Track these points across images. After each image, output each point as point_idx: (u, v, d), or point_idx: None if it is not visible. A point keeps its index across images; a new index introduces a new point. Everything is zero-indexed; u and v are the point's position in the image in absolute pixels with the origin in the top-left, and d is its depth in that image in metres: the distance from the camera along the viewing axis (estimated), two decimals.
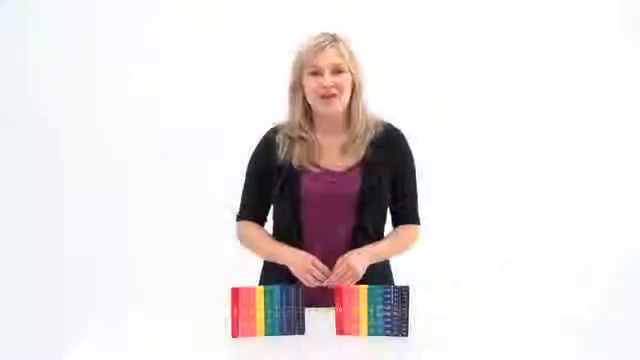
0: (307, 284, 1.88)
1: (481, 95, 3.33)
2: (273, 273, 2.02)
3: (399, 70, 3.23)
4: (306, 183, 1.97)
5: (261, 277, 2.12)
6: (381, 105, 2.06)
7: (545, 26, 3.34)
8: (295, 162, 1.98)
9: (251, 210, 2.06)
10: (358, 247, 1.94)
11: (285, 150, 1.99)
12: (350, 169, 1.98)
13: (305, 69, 1.94)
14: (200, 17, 3.28)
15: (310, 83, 1.94)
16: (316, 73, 1.93)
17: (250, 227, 2.05)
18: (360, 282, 1.88)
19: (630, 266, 3.31)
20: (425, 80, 3.28)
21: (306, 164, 1.98)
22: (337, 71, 1.93)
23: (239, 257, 2.17)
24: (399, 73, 3.22)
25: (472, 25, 3.32)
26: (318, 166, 1.99)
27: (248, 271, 2.15)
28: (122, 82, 3.26)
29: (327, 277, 1.89)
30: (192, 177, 3.26)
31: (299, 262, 1.91)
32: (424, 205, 2.11)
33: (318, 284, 1.89)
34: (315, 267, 1.89)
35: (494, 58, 3.32)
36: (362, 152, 1.98)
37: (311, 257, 1.91)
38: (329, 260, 1.91)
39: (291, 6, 3.22)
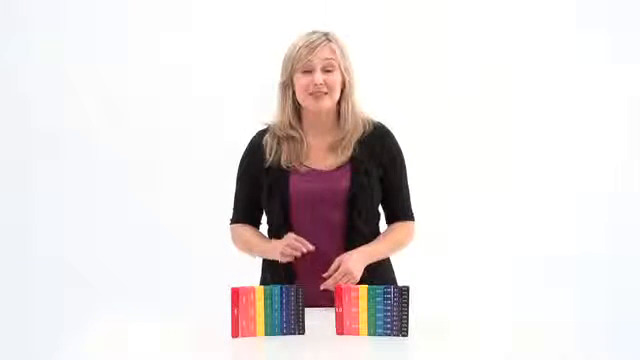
0: (285, 259, 1.89)
1: (476, 92, 3.33)
2: (272, 274, 2.02)
3: (392, 69, 3.24)
4: (294, 182, 1.97)
5: (261, 277, 2.12)
6: (374, 104, 2.06)
7: (535, 25, 3.35)
8: (283, 162, 1.98)
9: (242, 214, 2.07)
10: (352, 247, 1.94)
11: (273, 150, 1.99)
12: (339, 168, 1.98)
13: (296, 67, 1.94)
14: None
15: (301, 80, 1.94)
16: (307, 71, 1.93)
17: (242, 230, 2.07)
18: (361, 282, 1.87)
19: (630, 266, 3.31)
20: (418, 79, 3.29)
21: (294, 164, 1.98)
22: (328, 69, 1.93)
23: (239, 257, 2.17)
24: (392, 72, 3.23)
25: (462, 24, 3.33)
26: (306, 165, 1.99)
27: (248, 271, 2.15)
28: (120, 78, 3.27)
29: (303, 246, 1.88)
30: (192, 176, 3.27)
31: (278, 245, 1.92)
32: (423, 204, 2.11)
33: (295, 255, 1.89)
34: (291, 242, 1.89)
35: (488, 55, 3.33)
36: (351, 151, 1.98)
37: (286, 239, 1.91)
38: (324, 261, 1.91)
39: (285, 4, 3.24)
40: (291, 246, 1.89)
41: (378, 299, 1.74)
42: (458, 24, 3.33)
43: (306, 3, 3.21)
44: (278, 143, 2.00)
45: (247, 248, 2.06)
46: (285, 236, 1.94)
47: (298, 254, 1.89)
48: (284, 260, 1.91)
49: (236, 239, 2.09)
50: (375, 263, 1.98)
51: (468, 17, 3.33)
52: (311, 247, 1.89)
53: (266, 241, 2.02)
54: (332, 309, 1.78)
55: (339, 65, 1.95)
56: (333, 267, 1.90)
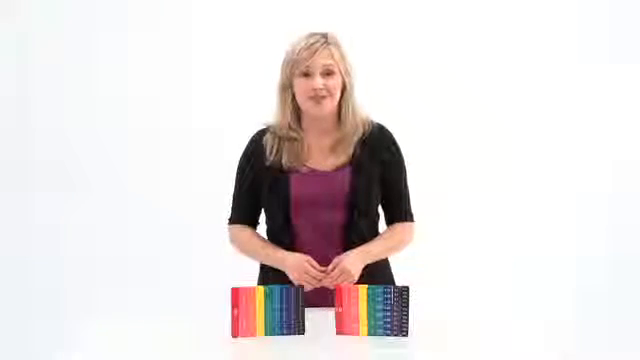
0: (298, 282, 1.89)
1: (476, 92, 3.33)
2: (270, 273, 2.02)
3: (391, 69, 3.24)
4: (294, 183, 1.96)
5: (259, 277, 2.12)
6: (373, 105, 2.06)
7: (533, 26, 3.35)
8: (284, 162, 1.98)
9: (242, 214, 2.07)
10: (352, 247, 1.94)
11: (273, 151, 1.99)
12: (339, 168, 1.98)
13: (295, 70, 1.93)
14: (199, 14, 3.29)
15: (300, 84, 1.94)
16: (306, 74, 1.93)
17: (242, 231, 2.06)
18: (360, 282, 1.88)
19: (630, 266, 3.31)
20: (419, 79, 3.29)
21: (295, 164, 1.98)
22: (327, 73, 1.93)
23: (239, 257, 2.17)
24: (391, 72, 3.23)
25: (463, 24, 3.33)
26: (307, 166, 1.99)
27: (248, 271, 2.15)
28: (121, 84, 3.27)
29: (323, 279, 1.89)
30: (192, 176, 3.26)
31: (293, 266, 1.91)
32: (423, 204, 2.11)
33: (313, 287, 1.89)
34: (309, 270, 1.89)
35: (488, 56, 3.33)
36: (351, 152, 1.98)
37: (304, 260, 1.91)
38: (323, 261, 1.91)
39: (285, 4, 3.23)
40: (310, 274, 1.89)
41: (378, 299, 1.74)
42: (459, 24, 3.32)
43: (306, 3, 3.20)
44: (279, 143, 2.00)
45: (247, 250, 2.05)
46: (298, 254, 1.93)
47: (313, 285, 1.89)
48: (296, 281, 1.90)
49: (235, 241, 2.08)
50: (373, 263, 1.98)
51: (469, 17, 3.33)
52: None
53: (270, 247, 2.00)
54: (332, 309, 1.78)
55: (339, 68, 1.94)
56: (331, 266, 1.90)
